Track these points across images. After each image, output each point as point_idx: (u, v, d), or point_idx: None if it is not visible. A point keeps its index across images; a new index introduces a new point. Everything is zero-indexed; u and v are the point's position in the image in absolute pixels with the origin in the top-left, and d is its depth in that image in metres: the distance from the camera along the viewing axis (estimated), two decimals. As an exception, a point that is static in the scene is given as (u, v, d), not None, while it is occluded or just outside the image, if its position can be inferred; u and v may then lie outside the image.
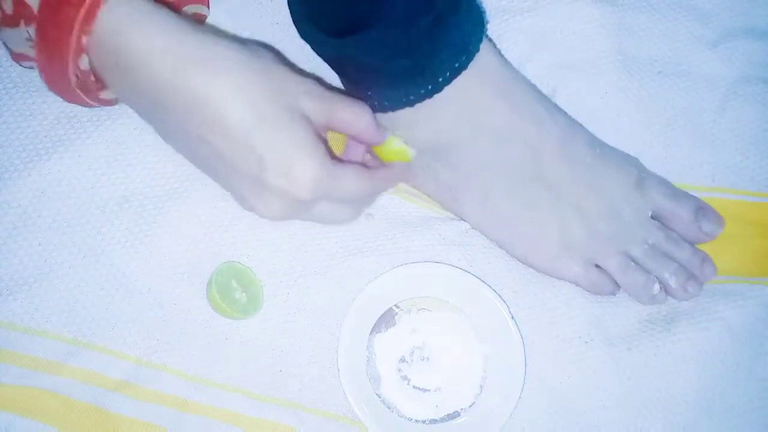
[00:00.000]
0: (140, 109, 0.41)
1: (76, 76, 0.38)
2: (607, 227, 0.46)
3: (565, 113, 0.48)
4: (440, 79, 0.42)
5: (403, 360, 0.45)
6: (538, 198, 0.46)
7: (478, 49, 0.43)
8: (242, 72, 0.36)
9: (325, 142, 0.41)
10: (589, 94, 0.50)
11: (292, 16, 0.44)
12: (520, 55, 0.50)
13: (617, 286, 0.47)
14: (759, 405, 0.45)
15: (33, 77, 0.48)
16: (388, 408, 0.44)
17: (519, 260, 0.48)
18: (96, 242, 0.45)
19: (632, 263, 0.47)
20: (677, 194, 0.48)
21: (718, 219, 0.48)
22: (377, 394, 0.45)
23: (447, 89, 0.42)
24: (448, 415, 0.45)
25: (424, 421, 0.44)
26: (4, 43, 0.40)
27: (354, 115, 0.41)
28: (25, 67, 0.41)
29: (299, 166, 0.37)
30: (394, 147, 0.45)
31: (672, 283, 0.46)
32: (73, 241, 0.45)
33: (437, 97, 0.42)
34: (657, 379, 0.45)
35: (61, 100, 0.47)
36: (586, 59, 0.50)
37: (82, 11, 0.34)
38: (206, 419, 0.44)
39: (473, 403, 0.45)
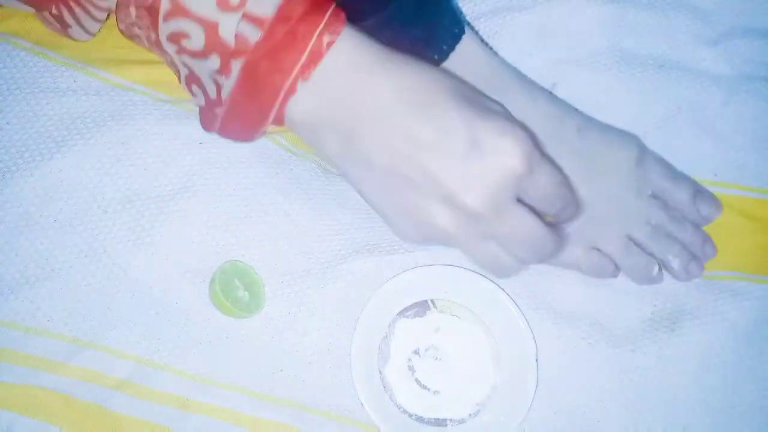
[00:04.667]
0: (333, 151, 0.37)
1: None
2: (605, 210, 0.46)
3: (553, 99, 0.48)
4: (444, 47, 0.44)
5: (416, 352, 0.46)
6: None
7: (464, 21, 0.44)
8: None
9: None
10: (589, 87, 0.50)
11: None
12: (520, 51, 0.50)
13: (618, 268, 0.47)
14: (760, 405, 0.44)
15: (36, 78, 0.48)
16: (384, 388, 0.45)
17: None
18: (98, 242, 0.46)
19: (633, 246, 0.47)
20: (675, 175, 0.48)
21: (715, 202, 0.48)
22: (379, 370, 0.45)
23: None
24: (434, 419, 0.45)
25: (406, 412, 0.45)
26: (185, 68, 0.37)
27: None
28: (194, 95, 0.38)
29: (516, 129, 0.34)
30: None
31: (675, 265, 0.46)
32: (74, 240, 0.45)
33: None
34: (659, 380, 0.45)
35: (63, 101, 0.47)
36: (586, 55, 0.50)
37: (304, 56, 0.33)
38: (208, 418, 0.44)
39: (461, 419, 0.45)
